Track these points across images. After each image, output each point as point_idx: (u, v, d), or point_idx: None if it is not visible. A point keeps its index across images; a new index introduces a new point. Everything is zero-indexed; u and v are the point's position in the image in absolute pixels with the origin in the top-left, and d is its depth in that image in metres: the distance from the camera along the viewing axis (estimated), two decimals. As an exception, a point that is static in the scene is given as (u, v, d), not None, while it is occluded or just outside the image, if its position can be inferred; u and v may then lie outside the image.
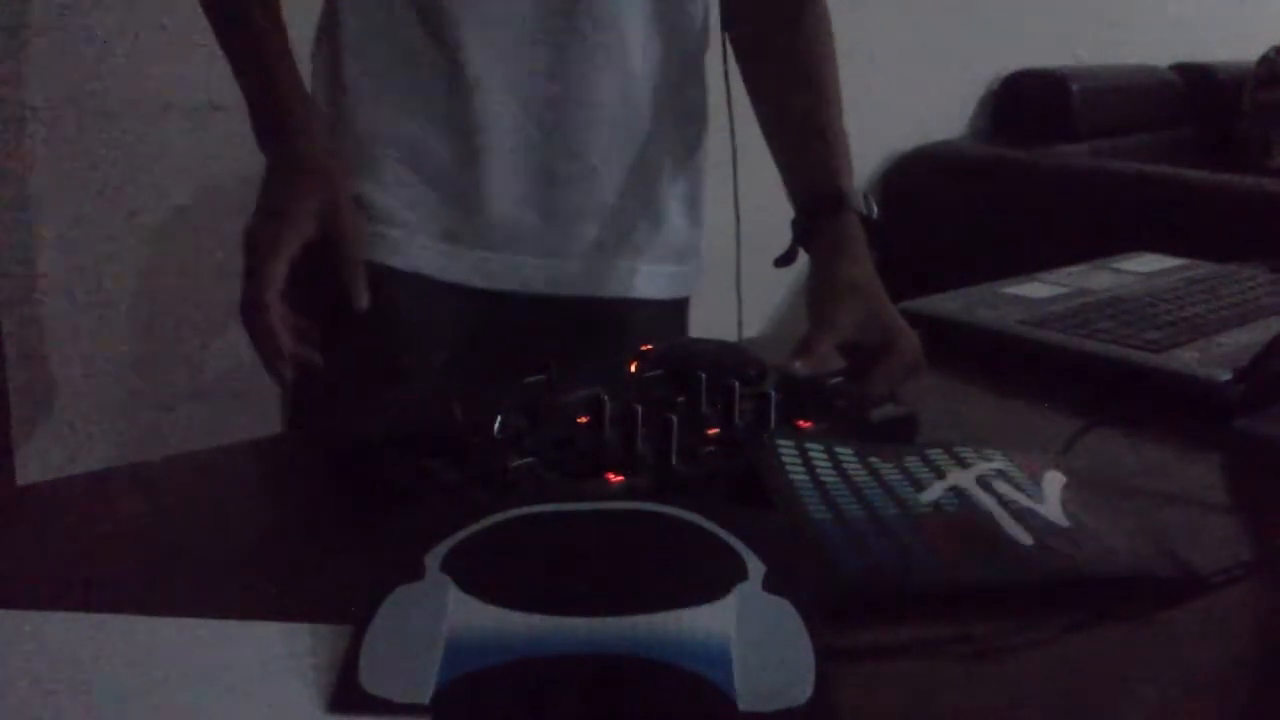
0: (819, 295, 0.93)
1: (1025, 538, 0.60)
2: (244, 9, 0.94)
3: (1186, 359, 0.88)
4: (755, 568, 0.54)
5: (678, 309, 1.13)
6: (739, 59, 1.08)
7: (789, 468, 0.65)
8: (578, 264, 1.03)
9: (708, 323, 1.26)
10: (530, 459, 0.63)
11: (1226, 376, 0.84)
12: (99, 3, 1.61)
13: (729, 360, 0.78)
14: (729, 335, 0.86)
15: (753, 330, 1.18)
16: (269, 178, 0.95)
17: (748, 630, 0.50)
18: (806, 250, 0.99)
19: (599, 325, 1.06)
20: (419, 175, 0.98)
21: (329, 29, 1.01)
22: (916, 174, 2.77)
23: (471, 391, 0.70)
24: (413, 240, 0.99)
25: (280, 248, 0.89)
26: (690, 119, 1.07)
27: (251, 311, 0.85)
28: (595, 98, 0.98)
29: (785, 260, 1.01)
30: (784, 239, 1.01)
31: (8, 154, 1.57)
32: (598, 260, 1.04)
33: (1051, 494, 0.65)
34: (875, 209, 0.99)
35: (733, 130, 1.08)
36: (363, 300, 0.88)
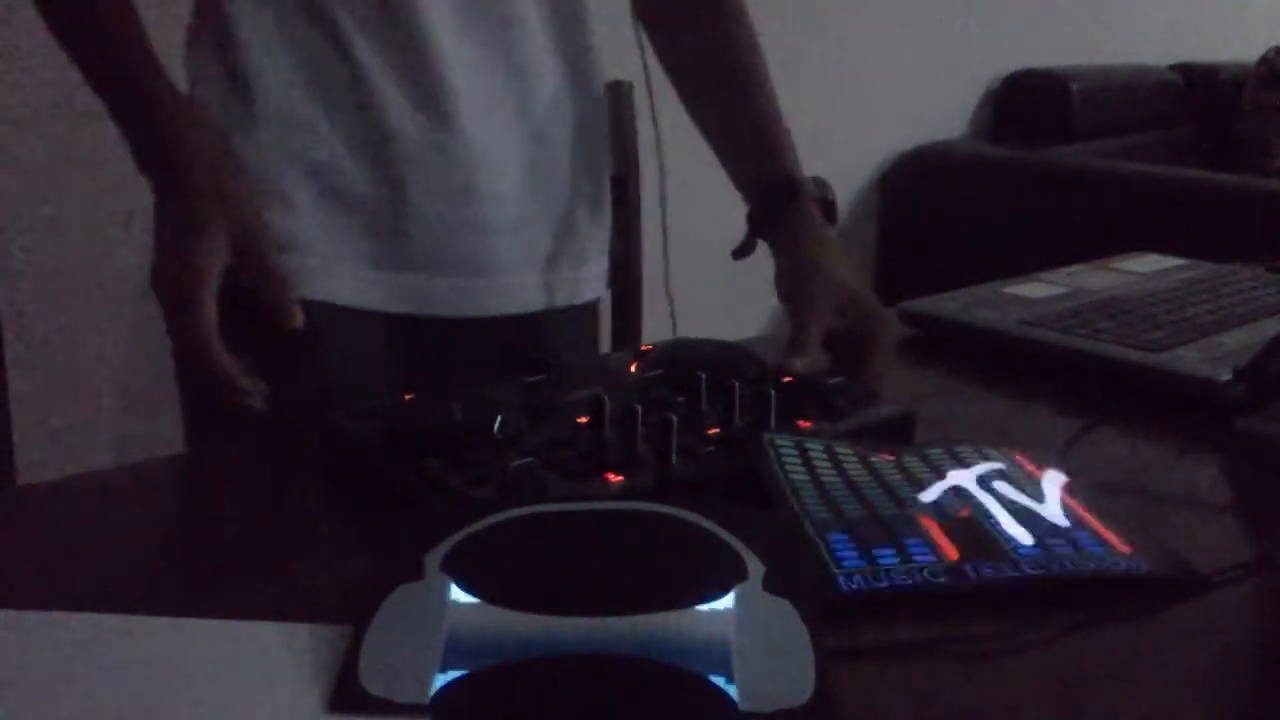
0: (793, 283, 0.91)
1: (1025, 538, 0.60)
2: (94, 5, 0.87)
3: (1186, 359, 0.88)
4: (755, 568, 0.54)
5: (593, 312, 1.12)
6: (664, 63, 1.08)
7: (789, 468, 0.65)
8: (499, 281, 1.00)
9: (709, 323, 1.26)
10: (530, 459, 0.63)
11: (1226, 376, 0.84)
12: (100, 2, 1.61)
13: (729, 360, 0.78)
14: (726, 335, 0.86)
15: (753, 330, 1.18)
16: (163, 208, 0.86)
17: (748, 630, 0.50)
18: (766, 240, 0.97)
19: (519, 340, 1.03)
20: (333, 200, 0.93)
21: (222, 53, 0.94)
22: (916, 174, 2.77)
23: (471, 391, 0.70)
24: (331, 268, 0.94)
25: (202, 283, 0.81)
26: (592, 126, 1.06)
27: (195, 359, 0.79)
28: (502, 111, 0.96)
29: (743, 252, 0.99)
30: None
31: (8, 154, 1.57)
32: (516, 275, 1.01)
33: (1051, 494, 0.65)
34: (831, 191, 0.98)
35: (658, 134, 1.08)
36: (298, 319, 0.82)
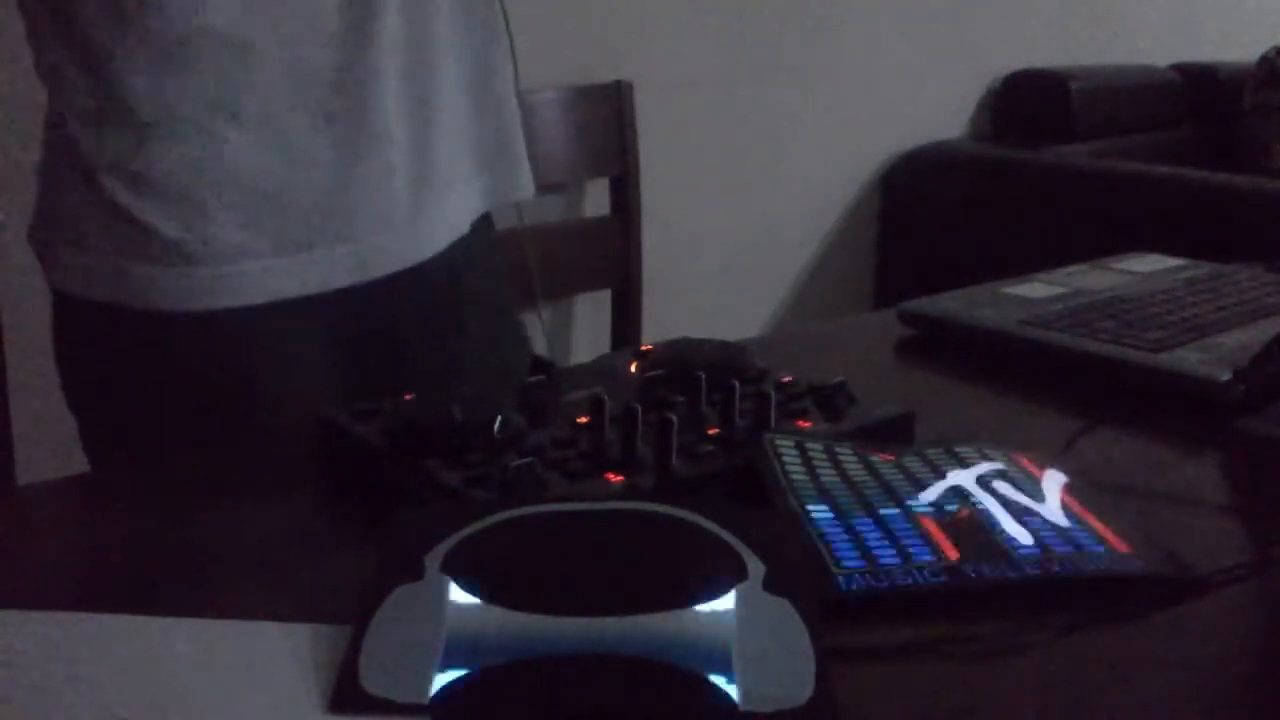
0: None
1: (1025, 538, 0.60)
2: None
3: (1186, 359, 0.88)
4: (755, 568, 0.54)
5: (485, 221, 1.10)
6: None
7: (789, 468, 0.65)
8: (399, 231, 0.98)
9: (709, 323, 1.26)
10: (530, 459, 0.63)
11: (1226, 376, 0.84)
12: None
13: (729, 360, 0.78)
14: (726, 335, 0.86)
15: (753, 331, 1.18)
16: None
17: (748, 630, 0.50)
18: None
19: (437, 282, 1.02)
20: (243, 195, 0.91)
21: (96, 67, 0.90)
22: (916, 174, 2.77)
23: (471, 391, 0.70)
24: (264, 264, 0.92)
25: None
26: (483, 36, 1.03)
27: None
28: (384, 61, 0.93)
29: None
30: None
31: (7, 153, 1.57)
32: (422, 218, 0.99)
33: (1051, 494, 0.65)
34: None
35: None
36: None
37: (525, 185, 1.09)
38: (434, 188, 0.99)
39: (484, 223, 1.09)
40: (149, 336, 0.92)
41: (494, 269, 1.11)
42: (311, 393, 0.92)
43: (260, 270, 0.91)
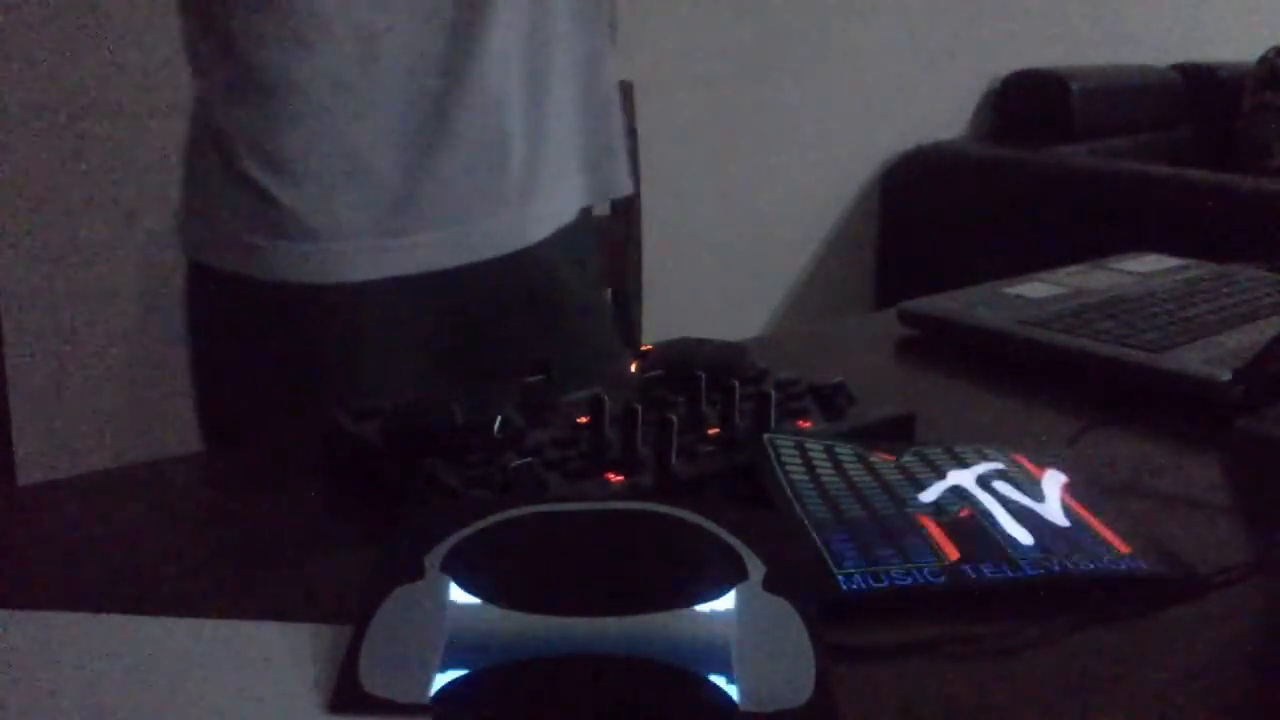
0: None
1: (1025, 538, 0.60)
2: None
3: (1186, 359, 0.88)
4: (755, 568, 0.54)
5: (584, 215, 1.13)
6: None
7: (789, 468, 0.65)
8: (507, 216, 1.01)
9: (709, 323, 1.26)
10: (530, 459, 0.63)
11: (1226, 376, 0.84)
12: (100, 3, 1.61)
13: (729, 360, 0.78)
14: (726, 335, 0.86)
15: (753, 331, 1.18)
16: None
17: (748, 630, 0.50)
18: None
19: (538, 270, 1.05)
20: (355, 172, 0.95)
21: (225, 57, 0.96)
22: (916, 174, 2.78)
23: (471, 391, 0.70)
24: (367, 246, 0.96)
25: None
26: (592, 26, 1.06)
27: None
28: (499, 50, 0.97)
29: None
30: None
31: (7, 153, 1.58)
32: (529, 206, 1.03)
33: (1051, 494, 0.65)
34: None
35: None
36: None
37: (624, 183, 1.12)
38: (542, 177, 1.03)
39: (583, 215, 1.12)
40: (269, 308, 0.97)
41: (589, 262, 1.15)
42: (414, 370, 0.97)
43: (372, 247, 0.96)
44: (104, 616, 0.52)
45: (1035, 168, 2.68)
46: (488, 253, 1.01)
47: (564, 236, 1.07)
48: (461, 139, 0.97)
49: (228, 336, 1.01)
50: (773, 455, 0.66)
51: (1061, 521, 0.62)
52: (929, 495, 0.64)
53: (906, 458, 0.68)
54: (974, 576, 0.57)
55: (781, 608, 0.52)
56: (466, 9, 0.95)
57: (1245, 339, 0.92)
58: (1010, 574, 0.58)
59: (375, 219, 0.96)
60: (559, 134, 1.03)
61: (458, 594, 0.52)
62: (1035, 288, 1.09)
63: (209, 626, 0.52)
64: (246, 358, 0.99)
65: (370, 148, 0.95)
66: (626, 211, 2.16)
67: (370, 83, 0.94)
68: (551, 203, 1.05)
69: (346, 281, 0.95)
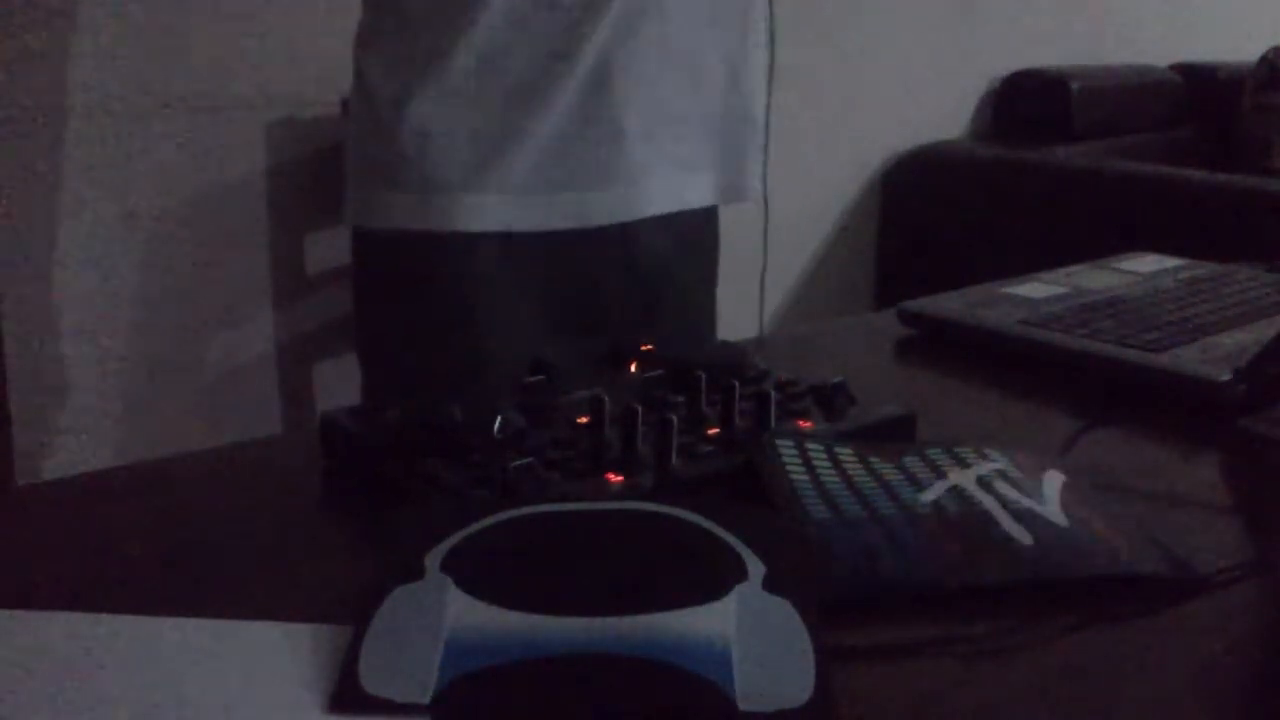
0: None
1: (1025, 538, 0.60)
2: None
3: (1186, 359, 0.88)
4: (755, 568, 0.54)
5: (708, 215, 1.18)
6: None
7: (789, 468, 0.65)
8: (644, 184, 1.08)
9: (719, 319, 1.26)
10: (530, 459, 0.63)
11: (1226, 376, 0.84)
12: (100, 2, 1.61)
13: (729, 360, 0.78)
14: (726, 335, 0.86)
15: (752, 331, 1.18)
16: None
17: (748, 630, 0.50)
18: None
19: (647, 252, 1.12)
20: (480, 133, 1.03)
21: (375, 16, 1.07)
22: (916, 174, 2.77)
23: (471, 391, 0.70)
24: (483, 200, 1.04)
25: None
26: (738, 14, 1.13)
27: None
28: (629, 31, 1.04)
29: None
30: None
31: (7, 154, 1.57)
32: (644, 182, 1.09)
33: (1051, 494, 0.65)
34: None
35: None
36: None
37: (752, 190, 1.17)
38: (662, 159, 1.08)
39: (707, 216, 1.17)
40: (392, 258, 1.07)
41: (706, 262, 1.20)
42: (521, 326, 1.06)
43: (493, 202, 1.04)
44: (104, 616, 0.52)
45: (1035, 168, 2.68)
46: (596, 220, 1.07)
47: (680, 228, 1.12)
48: (584, 110, 1.04)
49: (371, 292, 1.12)
50: (773, 455, 0.66)
51: (1061, 521, 0.62)
52: (929, 495, 0.64)
53: (906, 458, 0.68)
54: (974, 576, 0.57)
55: (781, 608, 0.52)
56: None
57: (1245, 339, 0.92)
58: (1010, 574, 0.58)
59: (495, 176, 1.03)
60: (685, 125, 1.09)
61: (458, 594, 0.52)
62: (1035, 288, 1.09)
63: (209, 626, 0.52)
64: (379, 308, 1.10)
65: (500, 112, 1.02)
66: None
67: (505, 56, 1.02)
68: (668, 185, 1.10)
69: (461, 231, 1.03)
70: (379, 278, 1.12)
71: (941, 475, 0.66)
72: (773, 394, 0.70)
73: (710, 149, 1.12)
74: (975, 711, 0.49)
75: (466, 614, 0.51)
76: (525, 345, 1.03)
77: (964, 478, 0.66)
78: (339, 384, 1.80)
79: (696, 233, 1.16)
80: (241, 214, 1.76)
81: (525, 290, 1.07)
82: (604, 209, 1.07)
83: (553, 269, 1.08)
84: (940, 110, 2.87)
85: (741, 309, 1.26)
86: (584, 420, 0.69)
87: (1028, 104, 2.92)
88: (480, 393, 0.71)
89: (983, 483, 0.66)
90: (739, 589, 0.52)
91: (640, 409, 0.66)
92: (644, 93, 1.06)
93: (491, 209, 1.04)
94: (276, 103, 1.75)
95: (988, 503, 0.63)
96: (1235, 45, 3.19)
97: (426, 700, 0.47)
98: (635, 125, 1.06)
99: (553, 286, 1.09)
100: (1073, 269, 1.17)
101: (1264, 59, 3.06)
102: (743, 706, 0.46)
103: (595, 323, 1.11)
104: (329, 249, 1.79)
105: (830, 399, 0.74)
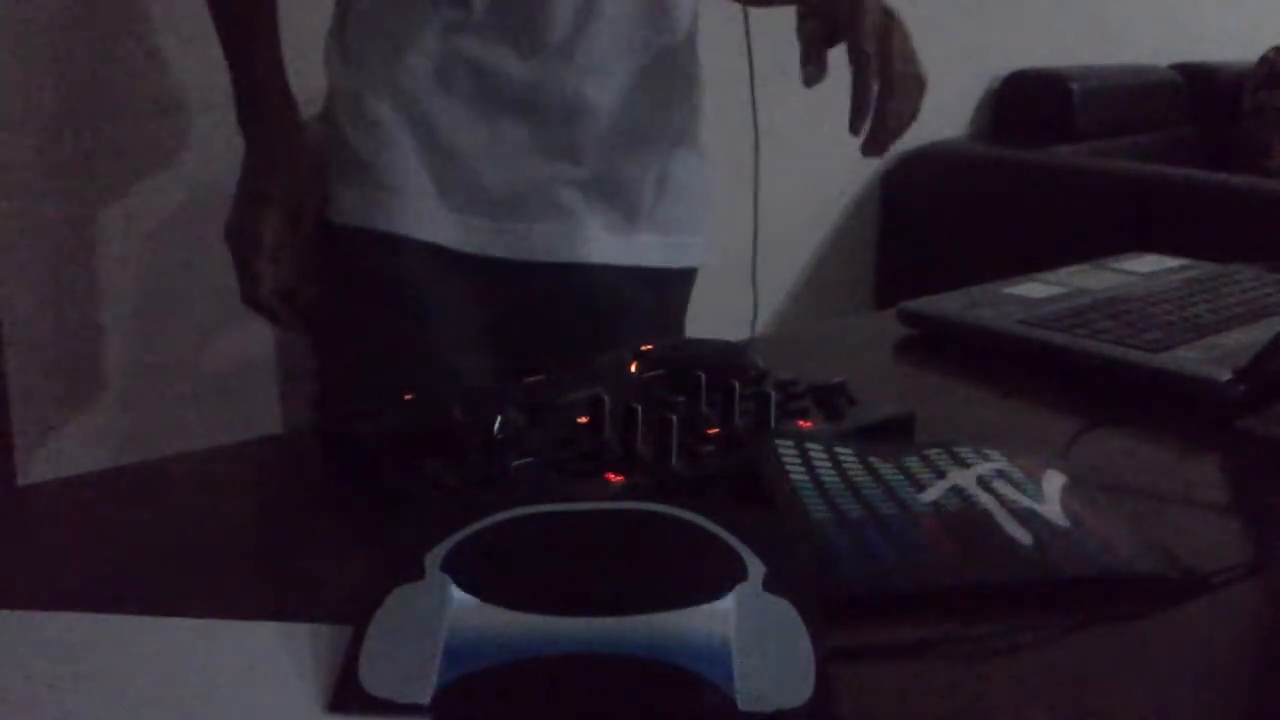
0: None
1: (1025, 538, 0.60)
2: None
3: (1186, 359, 0.88)
4: (755, 568, 0.54)
5: (682, 279, 1.18)
6: None
7: (789, 468, 0.65)
8: (591, 229, 1.08)
9: (711, 323, 1.26)
10: (530, 459, 0.63)
11: (1226, 376, 0.84)
12: (99, 2, 1.61)
13: (729, 360, 0.78)
14: (726, 335, 0.86)
15: (749, 330, 1.18)
16: (245, 164, 1.09)
17: (748, 630, 0.50)
18: None
19: (599, 297, 1.11)
20: (431, 143, 1.04)
21: (343, 8, 1.08)
22: (916, 174, 2.77)
23: (471, 391, 0.70)
24: (429, 209, 1.04)
25: (258, 249, 1.04)
26: (687, 86, 1.15)
27: (254, 307, 1.04)
28: (584, 82, 1.05)
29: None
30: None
31: (7, 153, 1.57)
32: (606, 225, 1.09)
33: (1051, 494, 0.65)
34: None
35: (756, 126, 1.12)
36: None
37: (694, 257, 1.19)
38: (608, 208, 1.09)
39: (669, 277, 1.17)
40: (345, 251, 1.08)
41: (662, 320, 1.19)
42: (469, 334, 1.06)
43: (434, 209, 1.05)
44: (104, 616, 0.52)
45: (1035, 168, 2.67)
46: (537, 256, 1.07)
47: (636, 285, 1.13)
48: (540, 149, 1.05)
49: (325, 281, 1.13)
50: (773, 455, 0.66)
51: (1061, 521, 0.62)
52: (929, 495, 0.64)
53: (906, 458, 0.68)
54: (974, 576, 0.57)
55: (781, 608, 0.52)
56: (562, 38, 1.03)
57: (1245, 339, 0.92)
58: (1010, 574, 0.58)
59: (442, 190, 1.04)
60: (633, 178, 1.10)
61: (458, 594, 0.52)
62: (1035, 288, 1.09)
63: (209, 626, 0.52)
64: (328, 296, 1.11)
65: (452, 131, 1.03)
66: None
67: (459, 76, 1.03)
68: (612, 240, 1.10)
69: (409, 236, 1.04)
70: (332, 267, 1.12)
71: (941, 475, 0.66)
72: (773, 394, 0.70)
73: (644, 208, 1.12)
74: (975, 711, 0.49)
75: (466, 614, 0.51)
76: (474, 350, 1.05)
77: (964, 478, 0.66)
78: (339, 384, 1.80)
79: (653, 288, 1.16)
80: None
81: (472, 298, 1.07)
82: (546, 246, 1.07)
83: (502, 285, 1.08)
84: (940, 110, 2.87)
85: (738, 309, 1.26)
86: (584, 420, 0.69)
87: (1028, 104, 2.92)
88: (480, 392, 0.71)
89: (983, 483, 0.66)
90: (739, 589, 0.52)
91: (640, 409, 0.66)
92: (602, 136, 1.07)
93: (437, 220, 1.04)
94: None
95: (988, 503, 0.63)
96: (1235, 45, 3.19)
97: (426, 700, 0.47)
98: (589, 167, 1.07)
99: (502, 301, 1.08)
100: (1073, 269, 1.17)
101: (1264, 59, 3.06)
102: (743, 706, 0.46)
103: (543, 340, 1.10)
104: (329, 249, 1.79)
105: (830, 399, 0.74)
